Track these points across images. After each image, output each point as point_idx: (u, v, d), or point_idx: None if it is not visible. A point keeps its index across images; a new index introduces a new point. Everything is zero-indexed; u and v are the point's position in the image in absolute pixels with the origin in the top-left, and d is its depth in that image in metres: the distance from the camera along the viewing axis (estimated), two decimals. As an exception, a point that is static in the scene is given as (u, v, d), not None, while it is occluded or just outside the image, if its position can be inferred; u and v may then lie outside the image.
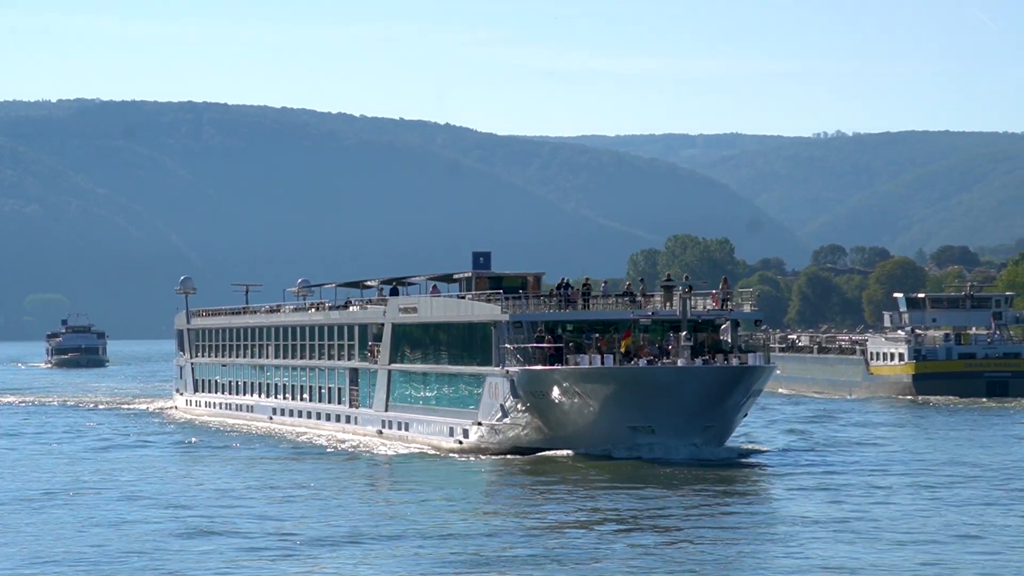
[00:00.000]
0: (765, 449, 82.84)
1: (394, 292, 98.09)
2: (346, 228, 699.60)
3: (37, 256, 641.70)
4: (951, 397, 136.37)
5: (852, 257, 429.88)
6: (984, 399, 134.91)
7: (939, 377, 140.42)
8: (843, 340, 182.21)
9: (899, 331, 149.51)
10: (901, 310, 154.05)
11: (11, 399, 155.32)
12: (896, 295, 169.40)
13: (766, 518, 60.13)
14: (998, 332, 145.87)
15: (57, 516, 61.86)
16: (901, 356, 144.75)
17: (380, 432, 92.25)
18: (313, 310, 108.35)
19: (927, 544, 51.27)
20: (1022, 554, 49.57)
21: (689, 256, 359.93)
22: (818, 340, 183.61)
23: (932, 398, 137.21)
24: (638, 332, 77.50)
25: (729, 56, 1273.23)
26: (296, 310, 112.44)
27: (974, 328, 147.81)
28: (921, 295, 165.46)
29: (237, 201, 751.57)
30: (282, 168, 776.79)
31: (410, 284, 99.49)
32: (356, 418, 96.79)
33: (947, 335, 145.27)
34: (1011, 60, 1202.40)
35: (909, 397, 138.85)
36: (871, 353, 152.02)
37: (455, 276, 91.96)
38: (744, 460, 77.89)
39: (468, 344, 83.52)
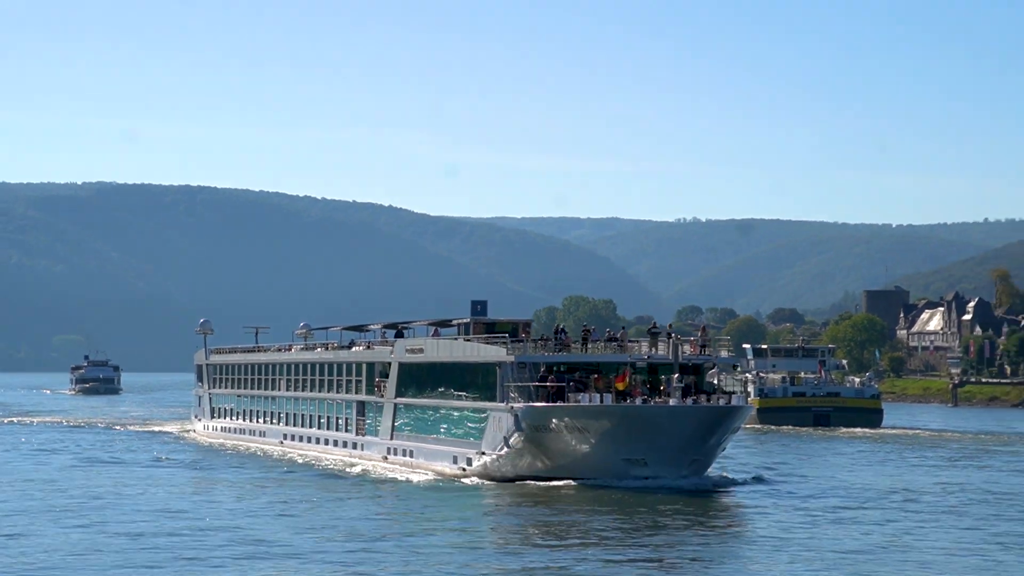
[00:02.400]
0: (737, 479, 72.07)
1: (399, 335, 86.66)
2: (307, 287, 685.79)
3: (63, 305, 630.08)
4: (786, 427, 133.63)
5: (707, 315, 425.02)
6: (811, 428, 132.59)
7: (778, 411, 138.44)
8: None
9: (747, 374, 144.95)
10: (748, 357, 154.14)
11: (48, 419, 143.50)
12: (745, 346, 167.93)
13: (746, 540, 52.39)
14: (823, 376, 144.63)
15: (79, 521, 55.68)
16: (748, 394, 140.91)
17: (385, 457, 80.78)
18: (321, 349, 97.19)
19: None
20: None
21: (581, 312, 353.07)
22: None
23: (772, 427, 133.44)
24: (634, 374, 67.38)
25: (610, 156, 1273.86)
26: (305, 349, 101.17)
27: (804, 372, 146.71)
28: (764, 346, 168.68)
29: (223, 263, 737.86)
30: (258, 238, 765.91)
31: (408, 328, 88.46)
32: (362, 444, 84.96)
33: (784, 377, 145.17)
34: (826, 165, 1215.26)
35: (754, 426, 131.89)
36: None
37: (454, 321, 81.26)
38: (721, 488, 67.82)
39: (473, 382, 72.37)
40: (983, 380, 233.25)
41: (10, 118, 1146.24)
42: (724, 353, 73.50)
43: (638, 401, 65.08)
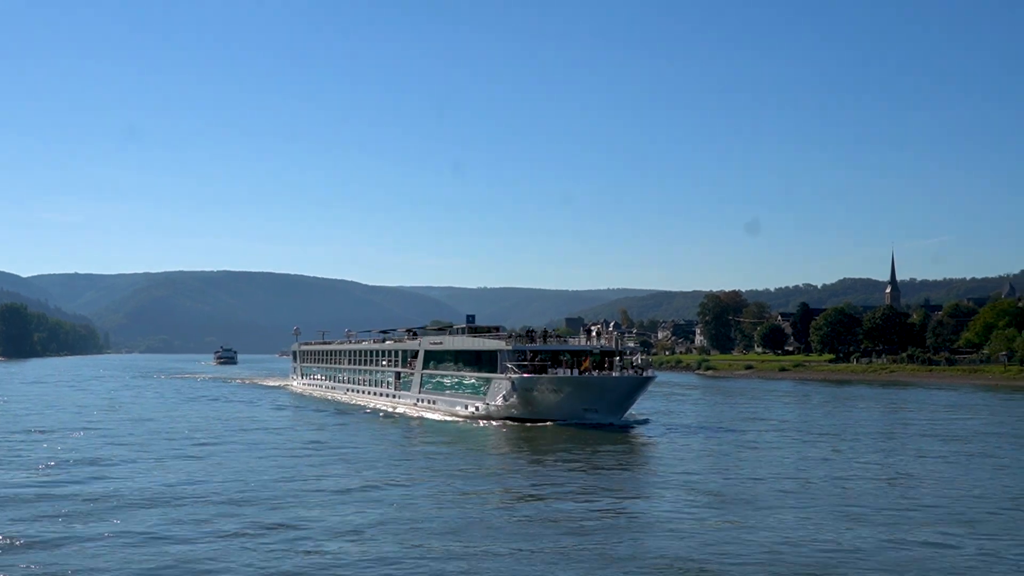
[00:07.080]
0: (641, 418, 52.43)
1: (414, 335, 64.76)
2: (312, 318, 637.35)
3: (208, 324, 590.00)
4: None
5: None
6: None
7: None
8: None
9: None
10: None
11: (202, 376, 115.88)
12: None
13: (649, 449, 35.89)
14: None
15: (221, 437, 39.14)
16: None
17: (415, 405, 58.26)
18: (367, 342, 74.20)
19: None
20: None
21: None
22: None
23: None
24: (593, 358, 47.48)
25: (451, 254, 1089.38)
26: (357, 342, 77.94)
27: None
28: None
29: (275, 306, 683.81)
30: (291, 296, 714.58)
31: (421, 330, 66.77)
32: (399, 397, 62.38)
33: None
34: (556, 251, 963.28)
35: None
36: None
37: (455, 326, 60.13)
38: (635, 424, 47.74)
39: (480, 362, 51.14)
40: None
41: (181, 242, 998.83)
42: (632, 343, 54.15)
43: (594, 373, 45.45)
